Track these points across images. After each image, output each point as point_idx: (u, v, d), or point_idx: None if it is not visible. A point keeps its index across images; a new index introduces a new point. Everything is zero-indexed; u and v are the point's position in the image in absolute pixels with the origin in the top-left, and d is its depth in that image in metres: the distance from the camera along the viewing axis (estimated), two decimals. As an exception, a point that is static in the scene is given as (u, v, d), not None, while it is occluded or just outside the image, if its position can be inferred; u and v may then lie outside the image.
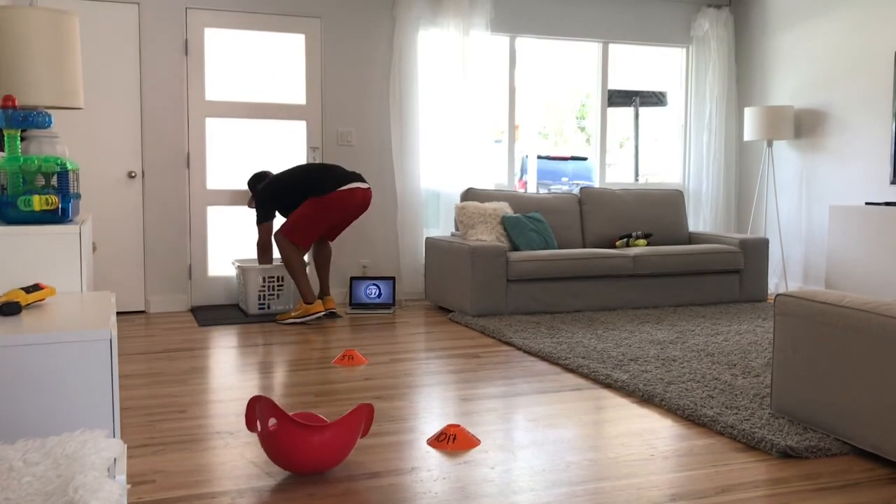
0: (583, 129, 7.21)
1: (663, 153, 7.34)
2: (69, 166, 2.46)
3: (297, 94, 6.08)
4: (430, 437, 3.04)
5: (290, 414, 2.76)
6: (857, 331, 2.79)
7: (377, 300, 5.94)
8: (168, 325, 5.29)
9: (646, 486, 2.58)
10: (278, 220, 5.83)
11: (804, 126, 6.56)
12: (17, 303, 1.93)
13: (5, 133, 2.38)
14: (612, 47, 6.97)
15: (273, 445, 2.59)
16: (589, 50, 6.94)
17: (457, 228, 6.01)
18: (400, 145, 6.20)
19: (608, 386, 3.80)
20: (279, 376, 3.98)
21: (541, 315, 5.56)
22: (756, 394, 3.54)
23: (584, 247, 6.32)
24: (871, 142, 5.98)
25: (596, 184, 7.03)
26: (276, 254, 6.03)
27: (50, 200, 2.33)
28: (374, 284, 5.94)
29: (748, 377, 3.85)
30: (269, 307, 5.64)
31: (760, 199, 7.00)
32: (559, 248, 6.14)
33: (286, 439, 2.56)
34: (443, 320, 5.55)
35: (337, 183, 5.27)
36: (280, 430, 2.55)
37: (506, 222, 5.85)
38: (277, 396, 3.62)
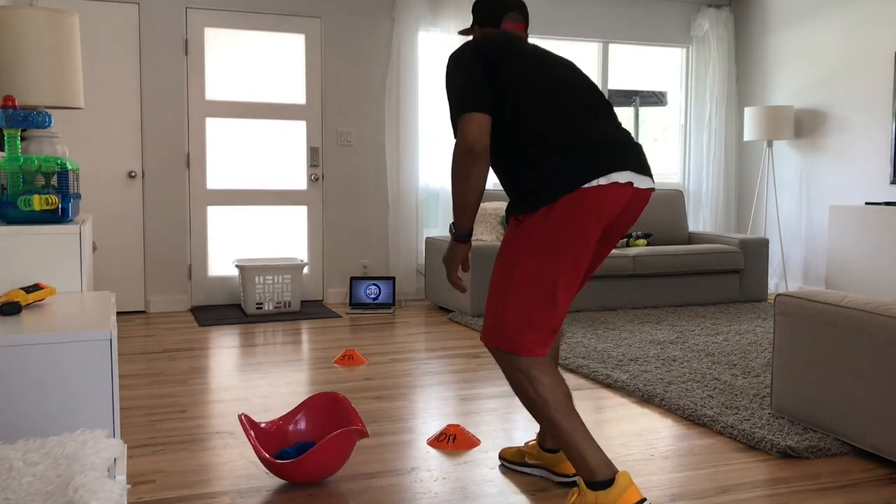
0: (583, 129, 7.20)
1: (663, 153, 7.34)
2: (69, 166, 2.46)
3: (297, 94, 6.08)
4: (430, 437, 3.04)
5: (316, 395, 2.83)
6: (857, 331, 2.79)
7: (377, 300, 5.94)
8: (168, 325, 5.29)
9: (646, 486, 2.58)
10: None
11: (804, 126, 6.56)
12: (17, 303, 1.93)
13: (5, 133, 2.38)
14: (612, 47, 6.97)
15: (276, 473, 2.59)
16: (589, 50, 6.94)
17: (457, 228, 5.99)
18: (398, 145, 6.20)
19: (608, 386, 3.80)
20: (279, 376, 3.98)
21: (541, 315, 5.55)
22: (756, 394, 3.54)
23: (584, 247, 6.31)
24: (871, 142, 5.98)
25: (596, 184, 7.02)
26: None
27: (50, 200, 2.33)
28: (374, 284, 5.94)
29: (748, 377, 3.85)
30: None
31: (760, 199, 7.00)
32: (559, 248, 6.14)
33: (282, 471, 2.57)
34: (443, 320, 5.54)
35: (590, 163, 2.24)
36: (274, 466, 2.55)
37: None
38: (278, 396, 3.62)
